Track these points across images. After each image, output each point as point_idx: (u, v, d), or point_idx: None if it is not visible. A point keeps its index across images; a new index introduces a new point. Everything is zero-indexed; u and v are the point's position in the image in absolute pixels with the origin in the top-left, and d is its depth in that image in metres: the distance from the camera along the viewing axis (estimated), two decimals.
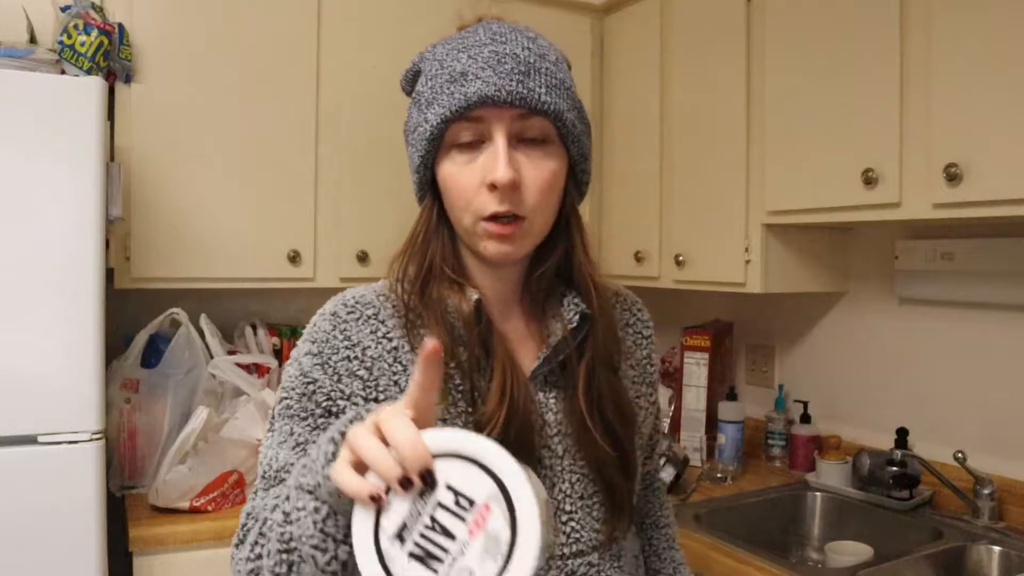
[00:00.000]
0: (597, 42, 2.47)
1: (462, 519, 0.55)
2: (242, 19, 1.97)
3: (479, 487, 0.55)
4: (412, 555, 0.56)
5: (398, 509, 0.57)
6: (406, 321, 0.82)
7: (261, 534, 0.72)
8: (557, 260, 0.85)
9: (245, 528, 0.77)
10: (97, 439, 1.47)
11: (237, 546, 0.77)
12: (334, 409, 0.80)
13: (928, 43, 1.52)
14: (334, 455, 0.63)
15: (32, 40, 1.79)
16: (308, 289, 2.15)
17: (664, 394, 2.37)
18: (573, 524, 0.83)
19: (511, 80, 0.75)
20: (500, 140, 0.76)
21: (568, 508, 0.83)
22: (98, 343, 1.47)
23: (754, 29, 1.93)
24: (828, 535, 1.87)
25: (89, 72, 1.70)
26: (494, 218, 0.76)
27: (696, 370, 2.23)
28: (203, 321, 1.96)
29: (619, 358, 0.89)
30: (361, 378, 0.80)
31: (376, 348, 0.81)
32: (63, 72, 1.69)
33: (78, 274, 1.45)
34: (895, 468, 1.78)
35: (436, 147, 0.79)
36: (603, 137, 2.48)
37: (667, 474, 1.88)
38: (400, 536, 0.56)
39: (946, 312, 1.86)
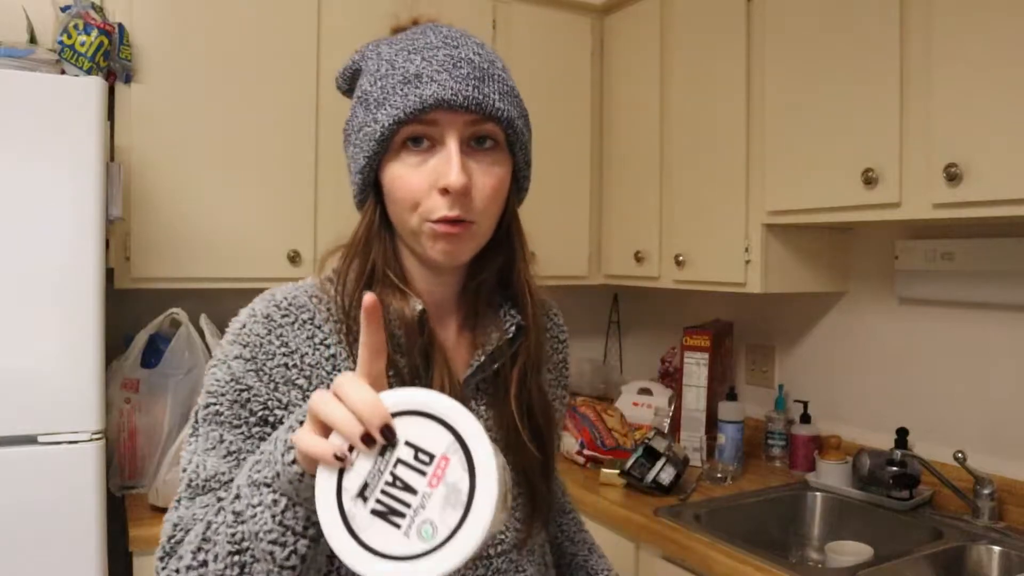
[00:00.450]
0: (597, 42, 2.47)
1: (422, 473, 0.56)
2: (242, 19, 1.97)
3: (437, 441, 0.57)
4: (374, 512, 0.56)
5: (359, 470, 0.57)
6: (345, 327, 0.80)
7: (205, 539, 0.69)
8: (499, 266, 0.85)
9: (173, 539, 0.73)
10: (97, 439, 1.47)
11: (164, 558, 0.73)
12: (271, 418, 0.77)
13: (928, 43, 1.52)
14: (290, 427, 0.63)
15: (32, 40, 1.79)
16: None
17: (664, 394, 2.38)
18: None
19: (467, 85, 0.75)
20: (453, 144, 0.75)
21: None
22: (98, 343, 1.47)
23: (754, 29, 1.93)
24: (828, 535, 1.87)
25: (89, 72, 1.70)
26: (442, 220, 0.76)
27: (696, 370, 2.23)
28: (203, 321, 1.96)
29: (544, 365, 0.91)
30: (300, 387, 0.78)
31: (314, 355, 0.79)
32: (63, 72, 1.69)
33: (78, 274, 1.45)
34: (895, 468, 1.78)
35: (384, 148, 0.77)
36: (603, 137, 2.48)
37: (667, 474, 1.89)
38: (363, 495, 0.57)
39: (946, 312, 1.86)
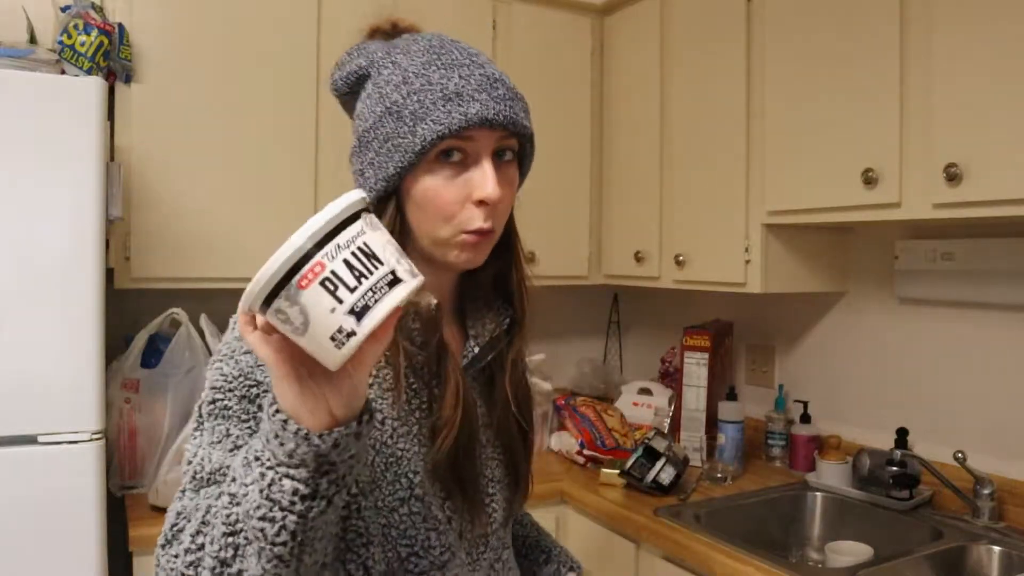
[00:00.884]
0: (597, 42, 2.47)
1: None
2: (242, 19, 1.97)
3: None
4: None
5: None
6: None
7: (204, 523, 0.71)
8: (499, 267, 0.91)
9: (175, 527, 0.75)
10: (97, 439, 1.47)
11: (165, 545, 0.74)
12: None
13: (928, 43, 1.52)
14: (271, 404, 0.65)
15: (32, 40, 1.79)
16: None
17: (664, 394, 2.38)
18: (494, 505, 0.92)
19: (504, 105, 0.80)
20: (488, 160, 0.80)
21: (491, 491, 0.92)
22: (98, 343, 1.47)
23: (754, 29, 1.93)
24: (828, 535, 1.87)
25: (89, 72, 1.70)
26: (476, 231, 0.81)
27: (696, 370, 2.23)
28: (203, 321, 1.96)
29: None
30: None
31: None
32: (63, 72, 1.69)
33: (78, 274, 1.45)
34: (895, 468, 1.78)
35: (418, 160, 0.79)
36: (603, 137, 2.48)
37: (667, 474, 1.89)
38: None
39: (946, 312, 1.86)
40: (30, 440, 1.42)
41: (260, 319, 0.61)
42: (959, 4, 1.46)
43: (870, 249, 2.05)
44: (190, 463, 0.79)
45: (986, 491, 1.68)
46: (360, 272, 0.58)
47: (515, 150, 0.85)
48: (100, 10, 1.79)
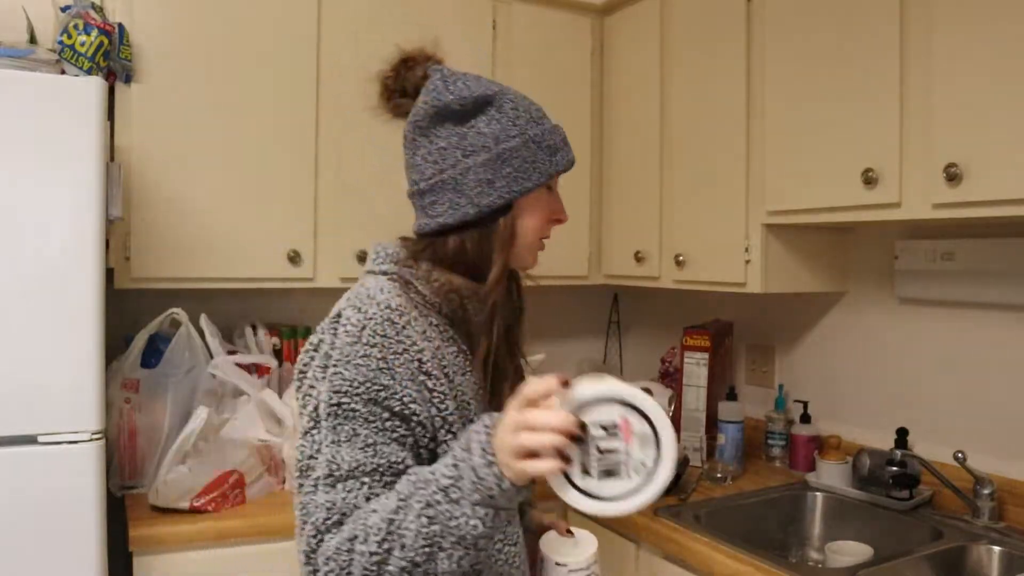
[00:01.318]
0: (597, 42, 2.47)
1: (616, 436, 0.83)
2: (242, 19, 1.97)
3: (611, 412, 0.83)
4: (602, 475, 0.83)
5: (574, 458, 0.83)
6: (450, 322, 1.01)
7: (390, 532, 0.85)
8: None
9: (330, 520, 0.89)
10: (97, 439, 1.47)
11: (319, 535, 0.88)
12: (405, 412, 0.92)
13: (928, 43, 1.52)
14: (490, 463, 0.83)
15: (32, 40, 1.79)
16: (308, 289, 2.15)
17: (664, 394, 2.38)
18: None
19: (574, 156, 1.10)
20: (557, 190, 1.09)
21: None
22: (98, 343, 1.47)
23: (754, 29, 1.93)
24: (828, 535, 1.87)
25: (89, 72, 1.70)
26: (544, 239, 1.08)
27: (696, 370, 2.23)
28: (203, 321, 1.96)
29: None
30: (422, 381, 0.94)
31: (426, 349, 0.95)
32: (63, 72, 1.69)
33: (78, 274, 1.45)
34: (895, 468, 1.78)
35: (546, 181, 1.03)
36: (603, 137, 2.48)
37: None
38: (586, 471, 0.83)
39: (946, 312, 1.86)
40: (30, 440, 1.42)
41: (574, 418, 0.82)
42: (959, 4, 1.46)
43: (870, 249, 2.05)
44: (313, 458, 0.93)
45: (986, 491, 1.68)
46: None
47: None
48: (100, 10, 1.79)
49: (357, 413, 0.91)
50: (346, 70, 2.08)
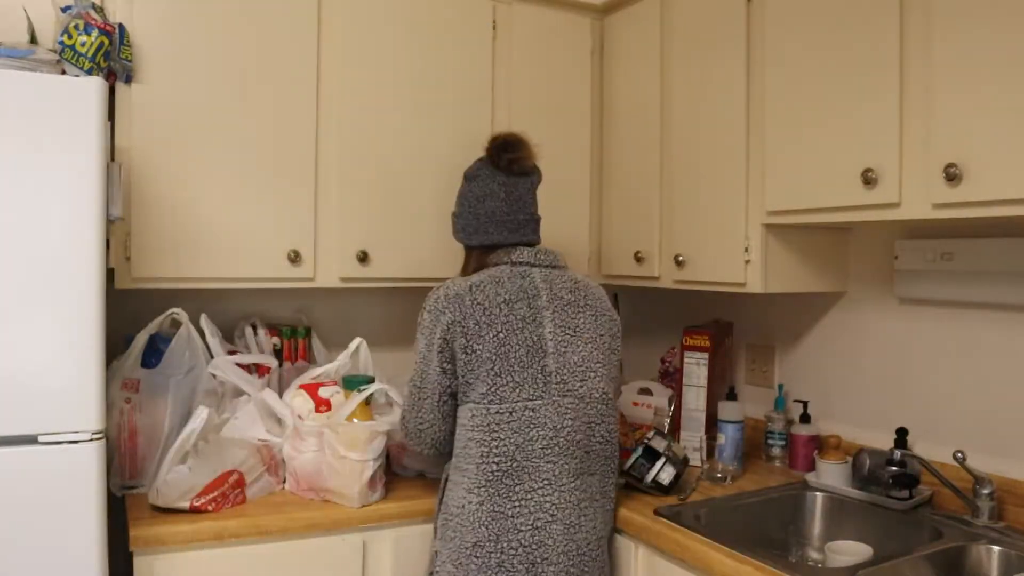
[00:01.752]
0: (597, 42, 2.47)
1: None
2: (242, 19, 1.97)
3: None
4: None
5: None
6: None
7: None
8: None
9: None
10: (97, 439, 1.47)
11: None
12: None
13: (928, 43, 1.52)
14: None
15: (33, 40, 1.79)
16: (308, 289, 2.15)
17: (664, 394, 2.38)
18: None
19: None
20: None
21: None
22: (98, 343, 1.47)
23: (754, 29, 1.93)
24: (828, 535, 1.87)
25: (90, 72, 1.70)
26: None
27: (696, 370, 2.23)
28: (203, 321, 1.96)
29: None
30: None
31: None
32: (64, 72, 1.69)
33: (78, 274, 1.45)
34: (895, 468, 1.78)
35: None
36: (603, 137, 2.48)
37: (667, 474, 1.89)
38: None
39: (946, 312, 1.86)
40: (30, 440, 1.42)
41: None
42: (959, 4, 1.46)
43: (870, 249, 2.05)
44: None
45: (986, 491, 1.68)
46: None
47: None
48: (100, 10, 1.79)
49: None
50: (347, 69, 2.09)
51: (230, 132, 1.96)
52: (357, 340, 2.06)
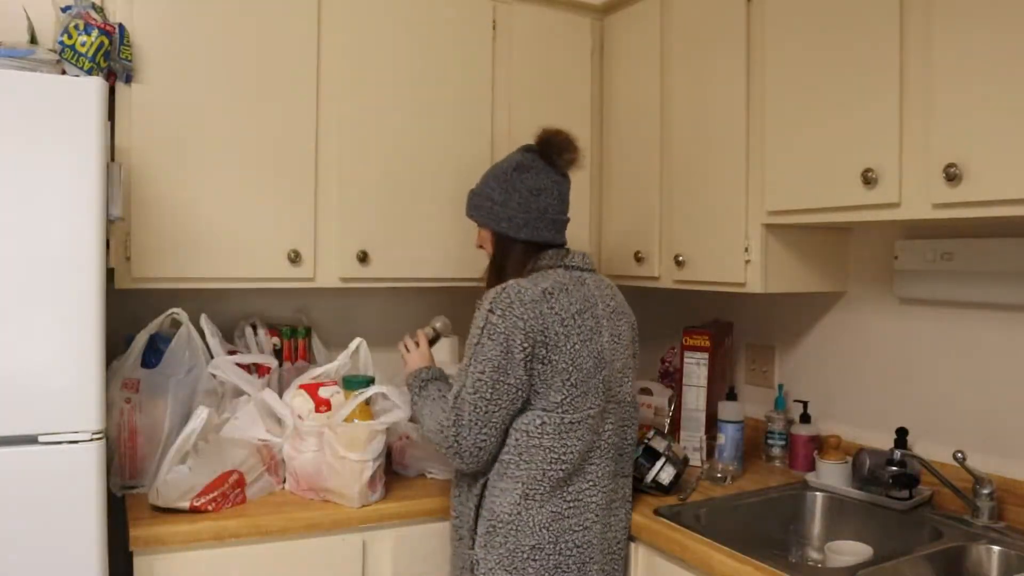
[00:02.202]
0: (597, 42, 2.47)
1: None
2: (242, 19, 1.97)
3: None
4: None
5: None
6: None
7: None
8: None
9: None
10: (97, 439, 1.47)
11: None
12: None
13: (928, 43, 1.52)
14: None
15: (33, 40, 1.79)
16: (308, 289, 2.15)
17: (664, 394, 2.38)
18: None
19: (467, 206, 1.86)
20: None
21: None
22: (98, 343, 1.47)
23: (754, 29, 1.93)
24: (828, 535, 1.87)
25: (90, 72, 1.70)
26: None
27: (696, 370, 2.23)
28: (203, 321, 1.96)
29: None
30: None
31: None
32: (64, 72, 1.69)
33: (78, 274, 1.45)
34: (895, 468, 1.78)
35: None
36: (603, 137, 2.48)
37: (667, 474, 1.89)
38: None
39: (946, 312, 1.86)
40: (30, 440, 1.42)
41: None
42: (959, 5, 1.46)
43: (870, 249, 2.05)
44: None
45: (986, 491, 1.68)
46: None
47: (478, 222, 1.82)
48: (101, 10, 1.79)
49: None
50: (347, 69, 2.09)
51: (230, 132, 1.96)
52: (357, 340, 2.06)
